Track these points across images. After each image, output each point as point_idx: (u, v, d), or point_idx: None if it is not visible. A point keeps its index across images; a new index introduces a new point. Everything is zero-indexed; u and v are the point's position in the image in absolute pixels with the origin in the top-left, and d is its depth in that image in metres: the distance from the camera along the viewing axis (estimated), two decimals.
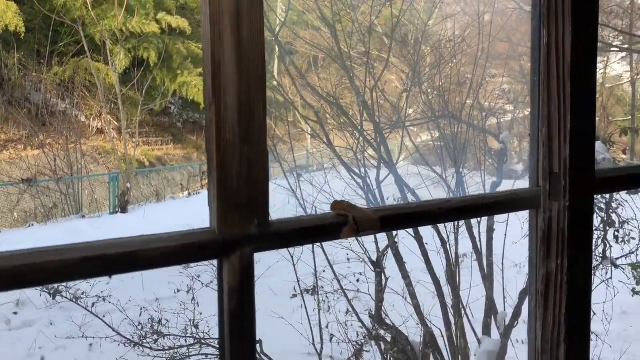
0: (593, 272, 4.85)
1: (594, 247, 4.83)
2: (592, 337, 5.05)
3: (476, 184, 5.07)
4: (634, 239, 4.81)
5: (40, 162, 14.41)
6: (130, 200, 13.91)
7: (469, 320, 4.61)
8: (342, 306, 4.93)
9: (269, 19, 6.38)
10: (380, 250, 4.32)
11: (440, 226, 4.52)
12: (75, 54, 16.57)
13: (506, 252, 4.85)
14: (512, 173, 11.52)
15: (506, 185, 4.82)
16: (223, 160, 0.69)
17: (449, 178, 5.11)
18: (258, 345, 4.04)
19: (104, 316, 4.20)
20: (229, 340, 0.72)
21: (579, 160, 0.99)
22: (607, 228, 4.73)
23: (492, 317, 4.59)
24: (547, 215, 1.00)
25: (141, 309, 4.32)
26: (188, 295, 4.84)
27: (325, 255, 4.47)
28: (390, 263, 4.58)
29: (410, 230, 4.47)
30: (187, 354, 4.08)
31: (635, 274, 4.67)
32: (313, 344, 4.36)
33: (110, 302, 4.49)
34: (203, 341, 4.14)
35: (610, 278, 4.88)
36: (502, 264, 4.78)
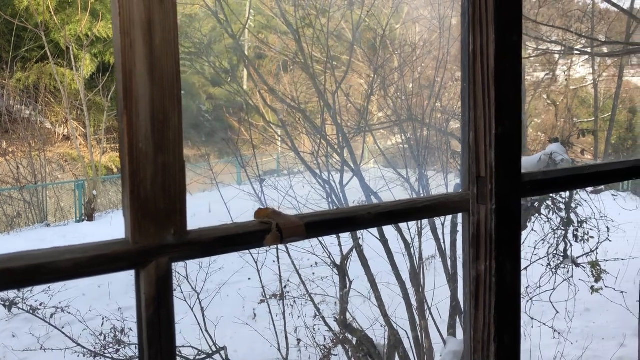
0: (555, 270, 4.96)
1: (555, 246, 4.95)
2: (555, 334, 5.16)
3: (438, 186, 5.14)
4: (592, 237, 4.93)
5: (2, 170, 14.07)
6: (96, 208, 13.67)
7: (435, 321, 4.66)
8: (310, 310, 4.94)
9: (231, 24, 6.36)
10: (344, 253, 4.34)
11: (404, 228, 4.57)
12: (39, 59, 16.24)
13: None
14: None
15: None
16: (136, 169, 0.69)
17: (415, 181, 5.17)
18: (223, 352, 4.01)
19: (63, 327, 4.13)
20: (147, 349, 0.72)
21: (505, 164, 1.01)
22: (567, 227, 4.83)
23: (457, 318, 4.65)
24: (475, 218, 1.02)
25: (103, 319, 4.26)
26: None
27: (291, 259, 4.47)
28: (357, 265, 4.60)
29: (375, 232, 4.51)
30: None
31: (594, 272, 4.78)
32: (279, 349, 4.35)
33: (69, 313, 4.41)
34: None
35: (572, 277, 4.99)
36: None
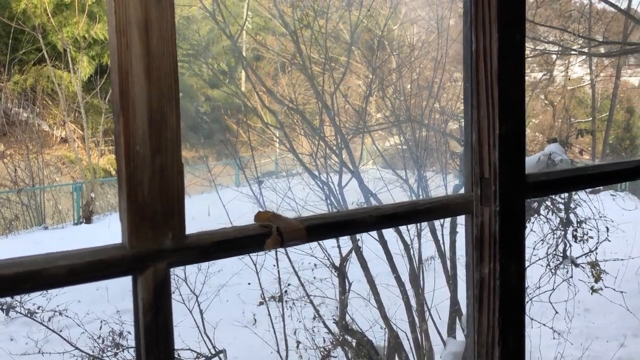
0: (554, 271, 4.95)
1: (554, 247, 4.93)
2: (555, 335, 5.14)
3: (437, 187, 5.12)
4: (592, 237, 4.92)
5: (0, 173, 14.03)
6: (94, 210, 13.63)
7: (434, 322, 4.64)
8: (309, 312, 4.91)
9: (229, 26, 6.35)
10: (343, 255, 4.32)
11: (403, 230, 4.55)
12: (37, 61, 16.21)
13: None
14: None
15: None
16: (133, 172, 0.67)
17: (414, 182, 5.15)
18: (222, 355, 3.99)
19: (60, 330, 4.10)
20: (144, 355, 0.70)
21: (509, 164, 1.00)
22: (566, 228, 4.82)
23: (457, 319, 4.63)
24: (478, 220, 1.00)
25: (101, 322, 4.24)
26: None
27: (290, 261, 4.45)
28: (356, 267, 4.59)
29: (374, 234, 4.49)
30: None
31: (594, 272, 4.77)
32: (278, 351, 4.33)
33: (67, 316, 4.39)
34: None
35: (571, 277, 4.98)
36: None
